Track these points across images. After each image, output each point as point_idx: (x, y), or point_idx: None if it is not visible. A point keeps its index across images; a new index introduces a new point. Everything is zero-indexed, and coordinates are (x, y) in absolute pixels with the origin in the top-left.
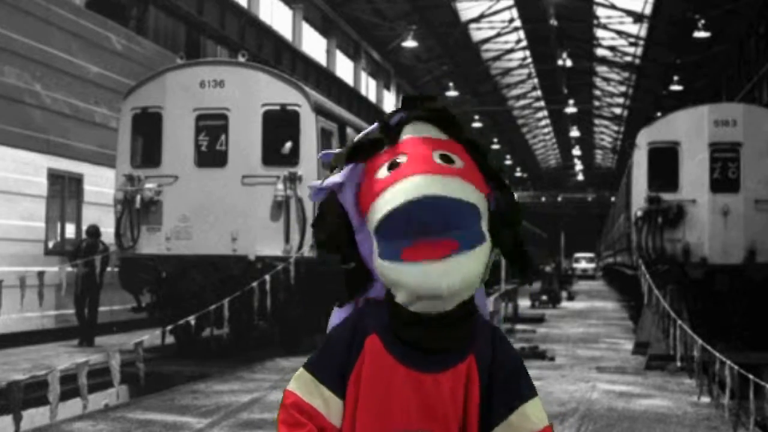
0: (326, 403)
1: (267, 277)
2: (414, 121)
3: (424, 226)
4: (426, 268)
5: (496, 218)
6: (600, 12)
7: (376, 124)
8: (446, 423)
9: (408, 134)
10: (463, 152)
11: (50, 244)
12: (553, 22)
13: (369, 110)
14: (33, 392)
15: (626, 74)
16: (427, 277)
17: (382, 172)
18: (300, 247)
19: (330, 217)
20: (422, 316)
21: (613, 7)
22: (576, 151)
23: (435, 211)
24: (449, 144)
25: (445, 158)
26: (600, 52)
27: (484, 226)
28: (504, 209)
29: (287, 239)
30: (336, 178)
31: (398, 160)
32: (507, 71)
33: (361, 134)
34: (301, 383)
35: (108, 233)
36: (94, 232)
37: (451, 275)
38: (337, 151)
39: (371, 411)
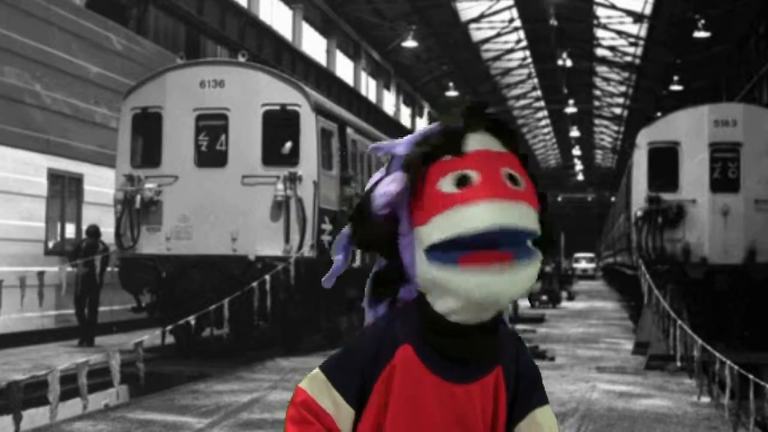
0: (336, 406)
1: (267, 277)
2: (475, 131)
3: (492, 245)
4: (490, 276)
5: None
6: (600, 12)
7: (435, 126)
8: None
9: (473, 146)
10: (520, 168)
11: (50, 244)
12: (553, 22)
13: (369, 110)
14: (33, 392)
15: (626, 74)
16: (492, 285)
17: (448, 186)
18: (300, 247)
19: (374, 216)
20: (461, 326)
21: (613, 7)
22: (576, 151)
23: (506, 240)
24: (510, 159)
25: (513, 179)
26: (600, 52)
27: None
28: (545, 220)
29: (287, 239)
30: (396, 185)
31: (468, 175)
32: (507, 71)
33: (416, 134)
34: (314, 384)
35: (108, 233)
36: (94, 232)
37: (515, 284)
38: (394, 146)
39: (401, 421)
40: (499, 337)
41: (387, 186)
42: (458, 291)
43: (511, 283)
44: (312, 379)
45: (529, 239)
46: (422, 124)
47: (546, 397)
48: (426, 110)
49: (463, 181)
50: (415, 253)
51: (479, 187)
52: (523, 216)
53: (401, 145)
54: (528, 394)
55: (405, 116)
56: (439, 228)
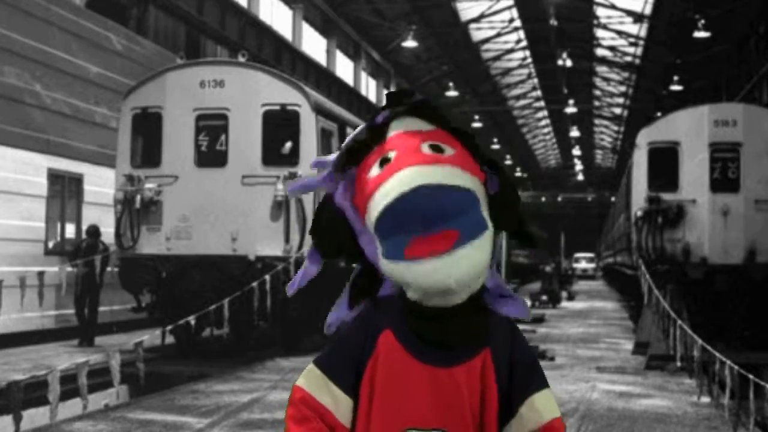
0: (335, 400)
1: (267, 277)
2: (399, 117)
3: (423, 218)
4: (431, 264)
5: (496, 201)
6: (600, 12)
7: (362, 126)
8: (462, 418)
9: (394, 130)
10: (452, 140)
11: (50, 244)
12: (553, 22)
13: (369, 110)
14: (33, 392)
15: (626, 74)
16: (433, 273)
17: (374, 171)
18: (300, 247)
19: (328, 223)
20: (437, 310)
21: (613, 7)
22: (576, 151)
23: (431, 200)
24: (438, 134)
25: (436, 148)
26: (600, 52)
27: (485, 211)
28: (503, 191)
29: (287, 239)
30: (316, 178)
31: (389, 156)
32: (507, 71)
33: (348, 138)
34: (311, 380)
35: (108, 233)
36: (94, 232)
37: (458, 268)
38: (328, 158)
39: (386, 407)
40: (485, 321)
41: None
42: (411, 283)
43: (453, 267)
44: (308, 376)
45: (477, 205)
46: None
47: (545, 381)
48: None
49: (384, 163)
50: (376, 249)
51: (395, 161)
52: (446, 175)
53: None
54: (526, 379)
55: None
56: (372, 211)
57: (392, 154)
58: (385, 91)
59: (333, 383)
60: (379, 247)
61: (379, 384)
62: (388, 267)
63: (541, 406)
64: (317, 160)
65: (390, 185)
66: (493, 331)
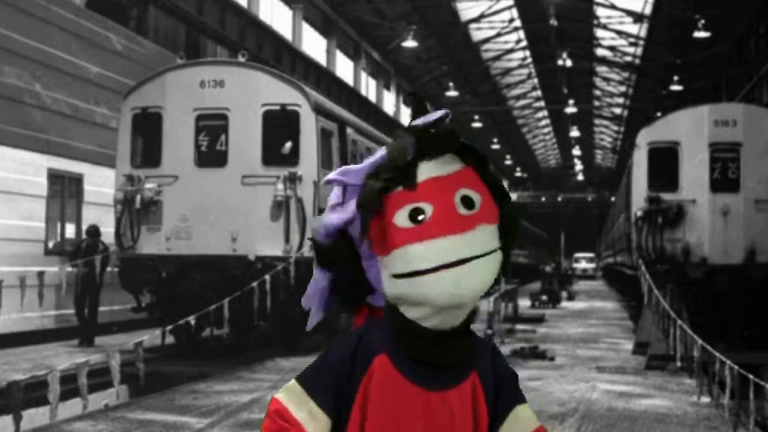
0: (313, 417)
1: (267, 277)
2: (429, 155)
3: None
4: (447, 273)
5: (501, 229)
6: (600, 12)
7: (383, 154)
8: None
9: (425, 174)
10: (477, 180)
11: (50, 244)
12: (553, 22)
13: (369, 110)
14: (33, 392)
15: (626, 74)
16: (449, 283)
17: (403, 219)
18: (300, 246)
19: (335, 244)
20: (433, 331)
21: (613, 7)
22: (576, 151)
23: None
24: (465, 176)
25: (467, 202)
26: (600, 52)
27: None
28: (505, 220)
29: (287, 239)
30: (342, 215)
31: (421, 208)
32: (507, 71)
33: (368, 164)
34: (290, 394)
35: (108, 233)
36: (94, 232)
37: (473, 279)
38: (341, 178)
39: (379, 430)
40: (473, 342)
41: (329, 216)
42: (426, 299)
43: (469, 276)
44: (288, 390)
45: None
46: None
47: (523, 395)
48: None
49: (416, 214)
50: (380, 274)
51: (431, 223)
52: (479, 243)
53: (352, 174)
54: (509, 394)
55: (405, 116)
56: (398, 263)
57: (428, 209)
58: (413, 124)
59: (312, 400)
60: (390, 274)
61: (372, 407)
62: (400, 286)
63: (525, 416)
64: (331, 178)
65: (424, 252)
66: (478, 353)
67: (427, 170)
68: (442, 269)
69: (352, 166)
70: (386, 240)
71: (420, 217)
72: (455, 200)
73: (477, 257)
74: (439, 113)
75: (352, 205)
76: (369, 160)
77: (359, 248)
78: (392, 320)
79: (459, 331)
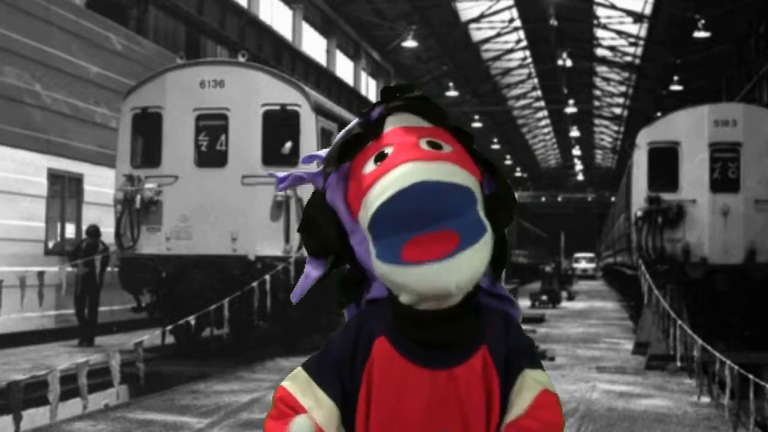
0: (319, 403)
1: (267, 277)
2: (395, 112)
3: (421, 216)
4: (431, 268)
5: (493, 202)
6: (600, 12)
7: (356, 120)
8: (465, 418)
9: (391, 125)
10: (450, 138)
11: (50, 244)
12: (553, 22)
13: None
14: (33, 392)
15: (626, 74)
16: (435, 278)
17: (369, 167)
18: (300, 247)
19: (319, 221)
20: (429, 314)
21: (613, 7)
22: (576, 151)
23: (429, 197)
24: (435, 131)
25: (434, 145)
26: (600, 52)
27: (482, 212)
28: (500, 191)
29: (287, 239)
30: (309, 172)
31: (385, 152)
32: (507, 71)
33: (342, 131)
34: (295, 382)
35: (108, 233)
36: (94, 232)
37: (459, 273)
38: (321, 152)
39: (385, 415)
40: (479, 319)
41: (294, 173)
42: (408, 288)
43: (455, 271)
44: (294, 378)
45: (474, 205)
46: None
47: (539, 361)
48: None
49: (380, 158)
50: (369, 251)
51: (392, 156)
52: (446, 172)
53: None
54: (517, 361)
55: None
56: (366, 209)
57: (389, 150)
58: (382, 86)
59: (318, 387)
60: (373, 248)
61: (376, 391)
62: (381, 269)
63: (532, 379)
64: (310, 154)
65: (386, 181)
66: (488, 327)
67: (393, 122)
68: (402, 193)
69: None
70: (358, 194)
71: (382, 160)
72: (419, 140)
73: (440, 183)
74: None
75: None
76: (345, 129)
77: (345, 224)
78: (391, 306)
79: (459, 311)
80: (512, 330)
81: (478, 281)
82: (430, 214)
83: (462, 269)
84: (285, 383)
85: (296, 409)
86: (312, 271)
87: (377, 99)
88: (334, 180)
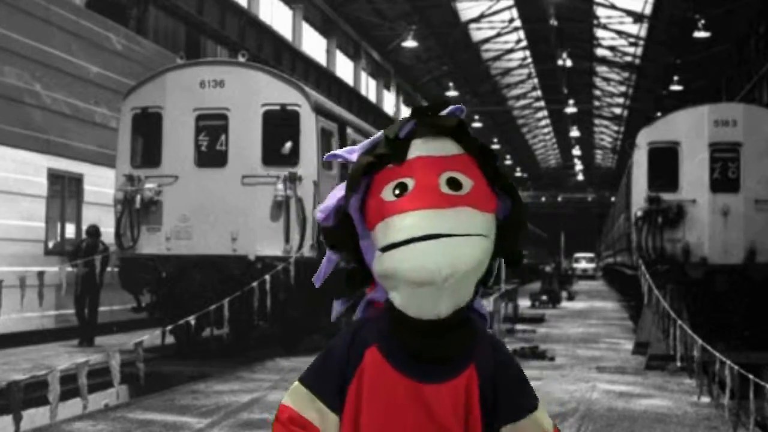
0: (321, 416)
1: (267, 277)
2: (424, 135)
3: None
4: (418, 246)
5: (504, 227)
6: (600, 12)
7: (382, 133)
8: None
9: (416, 152)
10: (472, 167)
11: (50, 244)
12: (553, 22)
13: (369, 110)
14: (33, 392)
15: (626, 74)
16: (419, 256)
17: (388, 194)
18: (300, 247)
19: (338, 224)
20: (421, 324)
21: (613, 7)
22: (576, 151)
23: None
24: (458, 161)
25: (454, 183)
26: (600, 52)
27: (487, 258)
28: (513, 219)
29: (287, 239)
30: (339, 196)
31: (405, 183)
32: (507, 71)
33: (367, 142)
34: (296, 397)
35: (108, 233)
36: (94, 232)
37: (443, 255)
38: (341, 152)
39: (372, 423)
40: (469, 336)
41: (326, 201)
42: (396, 273)
43: (437, 253)
44: (294, 393)
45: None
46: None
47: (537, 397)
48: None
49: (400, 189)
50: (374, 254)
51: (410, 197)
52: (459, 222)
53: (355, 152)
54: (517, 394)
55: (405, 116)
56: (380, 236)
57: (410, 183)
58: (413, 106)
59: (319, 400)
60: (375, 257)
61: (365, 400)
62: (380, 258)
63: (543, 420)
64: (332, 153)
65: (402, 224)
66: (477, 348)
67: (418, 148)
68: (413, 242)
69: (356, 146)
70: (374, 214)
71: (400, 192)
72: (439, 179)
73: (452, 236)
74: (453, 106)
75: (342, 187)
76: (371, 139)
77: (357, 227)
78: (388, 313)
79: (451, 323)
80: (500, 353)
81: (469, 299)
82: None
83: (446, 252)
84: (287, 401)
85: (305, 426)
86: (332, 256)
87: (407, 116)
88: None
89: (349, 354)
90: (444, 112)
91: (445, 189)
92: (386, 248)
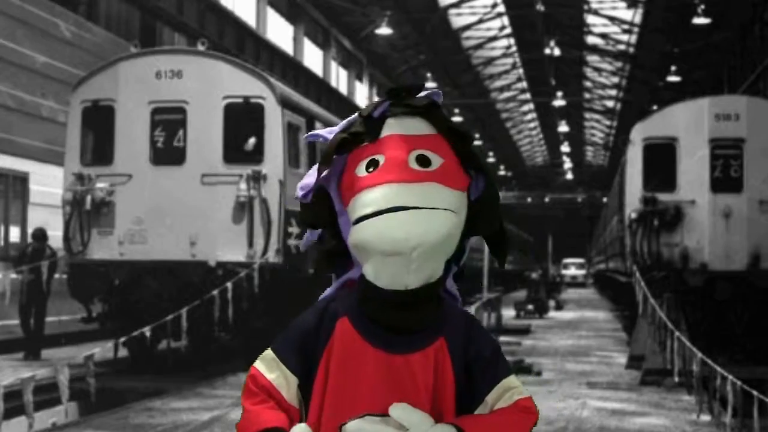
0: (286, 380)
1: (229, 285)
2: (397, 114)
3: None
4: (388, 216)
5: (478, 206)
6: None
7: (357, 115)
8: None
9: (389, 130)
10: (445, 146)
11: None
12: (540, 7)
13: (340, 103)
14: None
15: (619, 64)
16: (389, 226)
17: (361, 170)
18: (264, 252)
19: (315, 201)
20: (390, 295)
21: None
22: (565, 148)
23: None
24: (430, 140)
25: (423, 160)
26: (591, 40)
27: (456, 232)
28: (486, 196)
29: (251, 243)
30: (310, 179)
31: (376, 159)
32: (490, 61)
33: (343, 122)
34: (263, 361)
35: (56, 237)
36: (40, 235)
37: (413, 225)
38: (322, 132)
39: (340, 392)
40: (438, 309)
41: (304, 179)
42: (365, 243)
43: (409, 222)
44: (263, 358)
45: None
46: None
47: (509, 368)
48: None
49: (372, 166)
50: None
51: (379, 172)
52: (426, 196)
53: (331, 133)
54: (490, 367)
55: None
56: (352, 210)
57: (381, 159)
58: (388, 88)
59: (283, 364)
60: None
61: (333, 369)
62: (352, 230)
63: (514, 386)
64: (313, 133)
65: (370, 197)
66: (448, 322)
67: (391, 127)
68: (381, 214)
69: (336, 127)
70: (349, 191)
71: (372, 168)
72: (409, 156)
73: (419, 208)
74: (430, 90)
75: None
76: (348, 119)
77: (335, 205)
78: (361, 285)
79: (420, 296)
80: (475, 332)
81: (440, 275)
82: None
83: (416, 222)
84: (256, 363)
85: (265, 387)
86: (311, 235)
87: (383, 97)
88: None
89: (321, 325)
90: (421, 95)
91: (414, 165)
92: (357, 221)
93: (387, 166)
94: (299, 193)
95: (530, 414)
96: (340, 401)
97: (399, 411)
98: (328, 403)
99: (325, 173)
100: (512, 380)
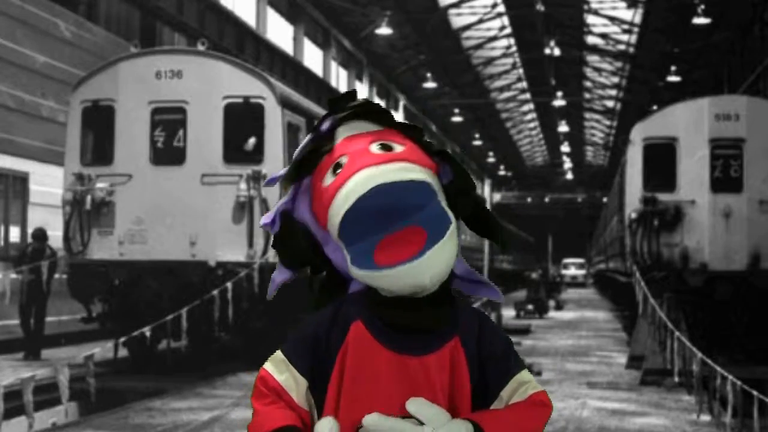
0: (295, 382)
1: (229, 285)
2: (345, 122)
3: (384, 217)
4: (404, 269)
5: (451, 189)
6: None
7: (308, 137)
8: None
9: (342, 136)
10: (400, 137)
11: None
12: (540, 7)
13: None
14: None
15: (619, 64)
16: (409, 278)
17: (328, 179)
18: (264, 252)
19: (289, 236)
20: (406, 299)
21: None
22: (565, 148)
23: (389, 197)
24: (385, 133)
25: (385, 147)
26: (591, 40)
27: (443, 202)
28: (456, 178)
29: (251, 243)
30: (283, 200)
31: (341, 162)
32: (489, 61)
33: (297, 150)
34: (273, 363)
35: (56, 237)
36: (40, 235)
37: (431, 268)
38: (280, 173)
39: (355, 396)
40: (452, 308)
41: (274, 207)
42: (384, 287)
43: (427, 268)
44: (273, 359)
45: (434, 196)
46: (398, 118)
47: (523, 363)
48: (402, 103)
49: (337, 169)
50: (344, 258)
51: (348, 165)
52: (400, 171)
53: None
54: (502, 366)
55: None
56: (333, 219)
57: (344, 159)
58: (328, 99)
59: (293, 366)
60: (347, 254)
61: (348, 373)
62: (357, 274)
63: (527, 380)
64: (271, 178)
65: (347, 190)
66: (461, 320)
67: (343, 132)
68: (366, 197)
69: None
70: (322, 207)
71: (339, 170)
72: (370, 146)
73: (397, 183)
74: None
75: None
76: (302, 143)
77: (316, 236)
78: (371, 291)
79: (433, 297)
80: (487, 329)
81: (452, 268)
82: (393, 212)
83: (433, 264)
84: (265, 364)
85: (275, 389)
86: (277, 276)
87: (326, 111)
88: (298, 194)
89: (333, 327)
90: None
91: (377, 151)
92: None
93: (353, 159)
94: (264, 221)
95: (545, 407)
96: (355, 405)
97: (415, 406)
98: (343, 406)
99: (288, 197)
100: (525, 375)
